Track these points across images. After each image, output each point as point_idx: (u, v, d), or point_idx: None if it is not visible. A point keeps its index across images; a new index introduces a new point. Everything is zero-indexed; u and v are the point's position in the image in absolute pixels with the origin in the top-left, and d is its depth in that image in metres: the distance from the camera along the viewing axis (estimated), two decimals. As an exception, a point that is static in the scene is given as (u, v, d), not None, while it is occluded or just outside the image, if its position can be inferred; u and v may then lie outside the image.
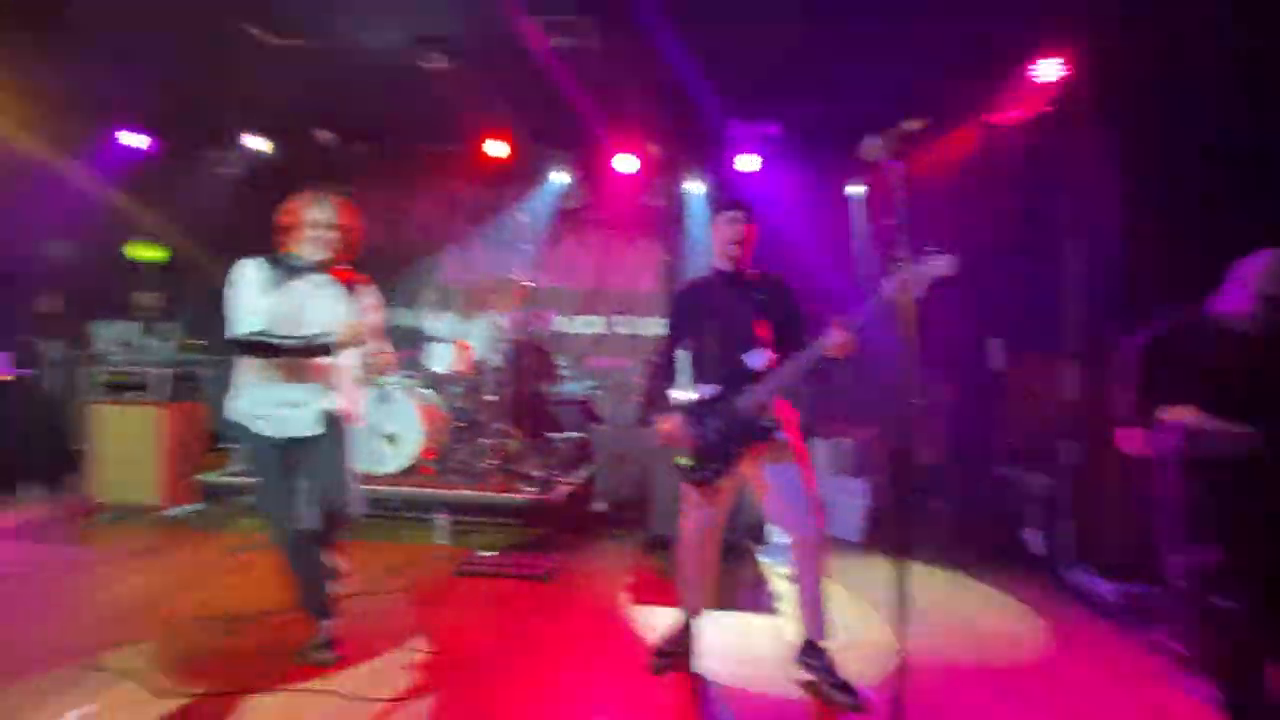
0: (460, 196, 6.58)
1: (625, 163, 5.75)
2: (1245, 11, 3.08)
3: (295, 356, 2.28)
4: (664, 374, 2.63)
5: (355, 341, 2.29)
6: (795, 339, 2.39)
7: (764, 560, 3.77)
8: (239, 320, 2.25)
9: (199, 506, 4.39)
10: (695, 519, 2.50)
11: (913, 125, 1.87)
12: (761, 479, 2.43)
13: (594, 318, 6.45)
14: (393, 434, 4.38)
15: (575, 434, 5.07)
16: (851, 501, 4.23)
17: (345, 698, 2.21)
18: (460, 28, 4.11)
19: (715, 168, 5.84)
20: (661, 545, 3.64)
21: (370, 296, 2.46)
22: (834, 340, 2.19)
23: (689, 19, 3.55)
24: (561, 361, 6.04)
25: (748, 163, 5.49)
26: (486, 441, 4.52)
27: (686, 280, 2.89)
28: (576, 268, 6.49)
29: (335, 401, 2.40)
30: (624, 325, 6.43)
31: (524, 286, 5.03)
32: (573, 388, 5.84)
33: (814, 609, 2.40)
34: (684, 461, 2.44)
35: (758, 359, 2.41)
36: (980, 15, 3.44)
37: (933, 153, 4.62)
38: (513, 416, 4.78)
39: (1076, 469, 3.74)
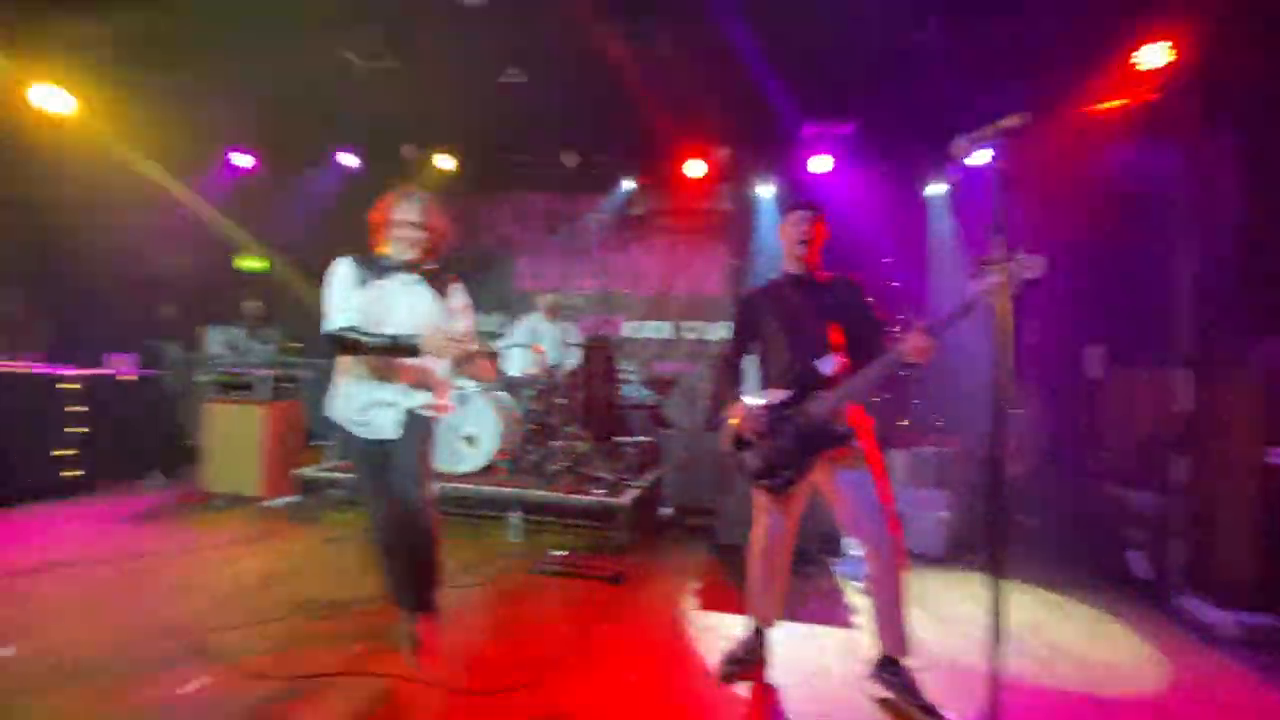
0: (534, 204, 6.79)
1: (694, 168, 5.76)
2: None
3: (381, 355, 2.29)
4: (728, 379, 2.60)
5: (442, 353, 2.24)
6: (869, 343, 2.33)
7: (839, 572, 3.67)
8: (330, 316, 2.29)
9: (296, 498, 4.71)
10: (766, 526, 2.46)
11: (1010, 122, 1.76)
12: (834, 487, 2.36)
13: (661, 323, 6.48)
14: (471, 435, 4.56)
15: (643, 438, 5.10)
16: (932, 515, 4.04)
17: (427, 685, 2.30)
18: (538, 41, 4.24)
19: (785, 170, 5.75)
20: (730, 552, 3.60)
21: (460, 297, 2.45)
22: (913, 345, 2.11)
23: (767, 18, 3.53)
24: (629, 366, 6.11)
25: (820, 164, 5.38)
26: (557, 444, 4.62)
27: (754, 284, 2.86)
28: (644, 273, 6.55)
29: (425, 400, 2.40)
30: (691, 330, 6.43)
31: (592, 293, 5.12)
32: (640, 392, 5.88)
33: (891, 623, 2.31)
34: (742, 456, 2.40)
35: (829, 364, 2.35)
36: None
37: (1028, 148, 4.34)
38: (583, 420, 4.87)
39: (1188, 487, 3.42)
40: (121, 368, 5.36)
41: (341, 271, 2.33)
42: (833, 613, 3.15)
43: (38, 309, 5.84)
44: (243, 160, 6.33)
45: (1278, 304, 2.20)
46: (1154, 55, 3.61)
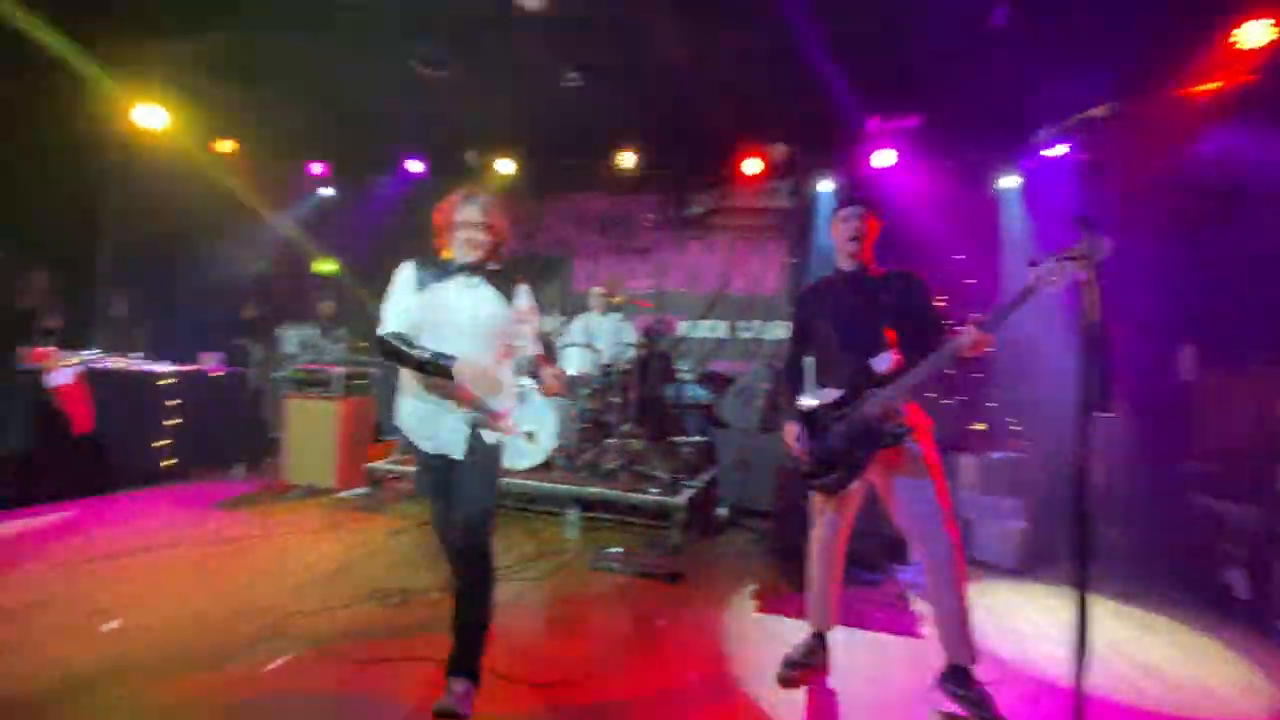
0: (590, 205, 6.87)
1: (753, 165, 5.70)
2: None
3: (419, 370, 2.17)
4: (790, 380, 2.58)
5: (472, 384, 2.11)
6: (927, 340, 2.21)
7: (904, 580, 3.55)
8: (385, 319, 2.26)
9: (366, 490, 4.94)
10: (822, 526, 2.43)
11: (1097, 112, 1.67)
12: (890, 489, 2.29)
13: (717, 322, 6.44)
14: (531, 432, 4.66)
15: (698, 438, 5.09)
16: (1003, 523, 3.86)
17: (488, 675, 2.36)
18: (597, 44, 4.29)
19: (846, 165, 5.61)
20: (789, 555, 3.55)
21: (526, 298, 2.39)
22: (968, 340, 2.03)
23: (833, 12, 3.45)
24: (684, 366, 6.09)
25: (883, 158, 5.23)
26: (613, 442, 4.66)
27: (810, 282, 2.81)
28: (701, 272, 6.53)
29: (489, 412, 2.26)
30: (747, 330, 6.36)
31: (648, 293, 5.13)
32: (696, 392, 5.86)
33: (955, 630, 2.22)
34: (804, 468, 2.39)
35: (883, 362, 2.28)
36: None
37: (1114, 137, 4.09)
38: (638, 419, 4.90)
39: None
40: (210, 365, 5.75)
41: (404, 275, 2.30)
42: (897, 620, 3.05)
43: (140, 312, 6.34)
44: (315, 169, 6.69)
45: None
46: (1254, 33, 3.33)
